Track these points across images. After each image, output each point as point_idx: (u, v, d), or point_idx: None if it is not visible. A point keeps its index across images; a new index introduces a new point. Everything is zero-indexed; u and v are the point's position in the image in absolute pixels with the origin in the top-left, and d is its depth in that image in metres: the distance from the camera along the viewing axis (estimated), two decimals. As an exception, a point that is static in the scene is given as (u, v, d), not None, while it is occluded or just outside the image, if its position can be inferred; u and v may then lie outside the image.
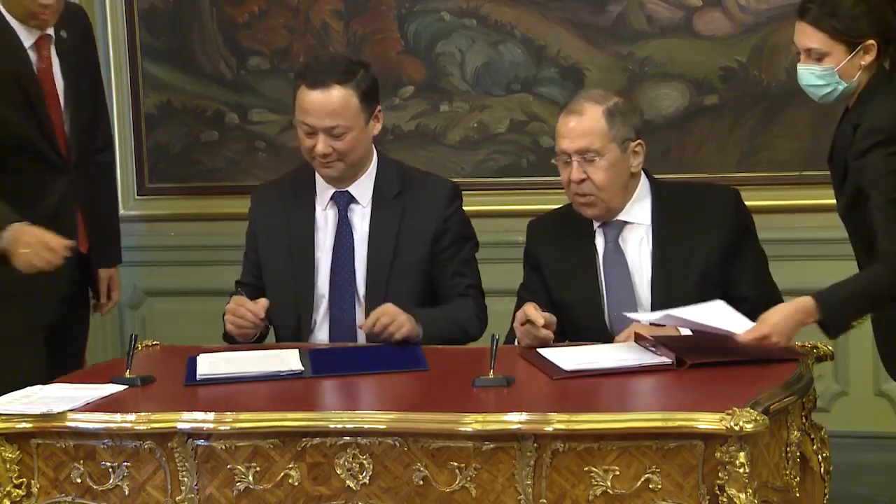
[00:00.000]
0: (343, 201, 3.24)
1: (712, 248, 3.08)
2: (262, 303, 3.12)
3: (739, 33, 4.13)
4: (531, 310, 2.96)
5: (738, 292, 3.03)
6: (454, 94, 4.33)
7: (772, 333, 2.71)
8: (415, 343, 3.05)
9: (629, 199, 3.13)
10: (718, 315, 2.82)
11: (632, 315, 2.96)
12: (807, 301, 2.77)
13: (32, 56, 3.41)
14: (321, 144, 3.12)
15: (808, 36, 2.91)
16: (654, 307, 3.04)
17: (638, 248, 3.12)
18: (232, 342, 3.18)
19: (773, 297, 3.12)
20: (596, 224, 3.16)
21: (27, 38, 3.40)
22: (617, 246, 3.13)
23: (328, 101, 3.10)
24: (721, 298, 2.92)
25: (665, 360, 2.74)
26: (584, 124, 3.06)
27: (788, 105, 4.10)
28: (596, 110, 3.07)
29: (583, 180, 3.06)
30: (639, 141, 3.11)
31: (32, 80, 3.40)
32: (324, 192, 3.26)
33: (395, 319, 3.03)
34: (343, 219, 3.23)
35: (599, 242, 3.15)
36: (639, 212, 3.14)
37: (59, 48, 3.47)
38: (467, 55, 4.32)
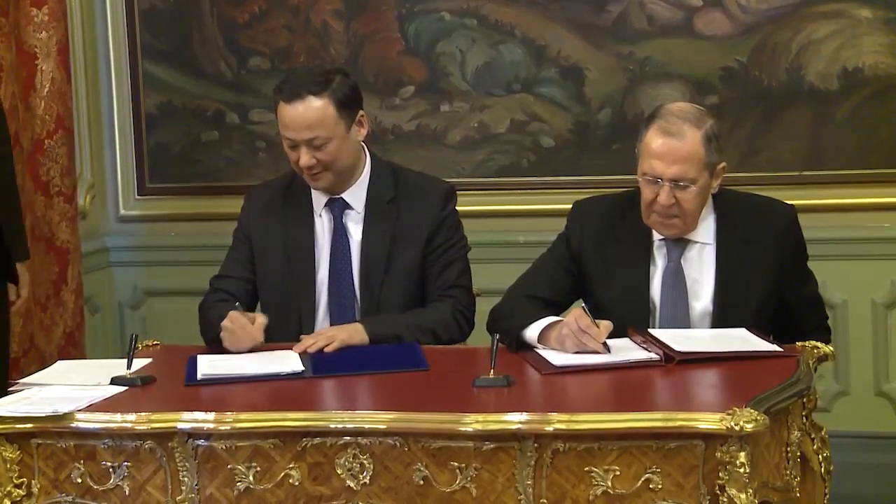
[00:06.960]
0: (338, 208, 3.23)
1: (771, 275, 3.00)
2: (260, 323, 3.02)
3: (740, 33, 4.13)
4: (586, 320, 2.81)
5: (791, 314, 3.02)
6: (454, 94, 4.33)
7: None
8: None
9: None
10: (741, 341, 2.85)
11: (654, 331, 2.90)
12: None
13: None
14: (304, 157, 3.10)
15: None
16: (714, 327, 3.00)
17: (699, 267, 3.02)
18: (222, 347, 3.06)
19: (823, 318, 3.14)
20: (657, 237, 3.05)
21: None
22: (678, 266, 3.02)
23: (304, 112, 3.08)
24: (776, 320, 2.97)
25: (654, 356, 2.75)
26: (682, 150, 2.89)
27: (788, 105, 4.10)
28: (695, 135, 2.90)
29: (671, 205, 2.93)
30: (723, 164, 2.98)
31: None
32: (318, 199, 3.24)
33: (316, 340, 3.00)
34: (339, 226, 3.22)
35: (659, 259, 3.05)
36: (703, 230, 3.03)
37: None
38: (468, 55, 4.32)
